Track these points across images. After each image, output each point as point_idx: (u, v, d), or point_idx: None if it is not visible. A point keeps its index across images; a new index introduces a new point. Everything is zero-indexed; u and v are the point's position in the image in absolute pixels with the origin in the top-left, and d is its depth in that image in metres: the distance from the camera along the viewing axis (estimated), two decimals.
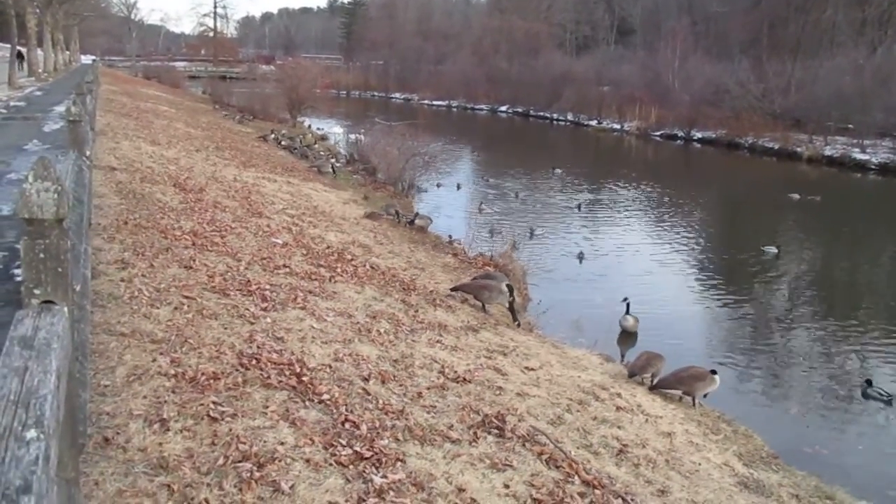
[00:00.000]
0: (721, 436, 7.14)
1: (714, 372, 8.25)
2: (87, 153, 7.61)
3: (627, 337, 11.78)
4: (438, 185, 24.75)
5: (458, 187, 25.30)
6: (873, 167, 38.22)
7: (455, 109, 73.42)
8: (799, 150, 41.74)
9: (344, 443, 4.46)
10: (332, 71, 79.44)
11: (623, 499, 4.91)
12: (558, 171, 31.17)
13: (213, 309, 6.20)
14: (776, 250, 18.52)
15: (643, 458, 5.83)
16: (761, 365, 11.70)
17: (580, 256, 16.83)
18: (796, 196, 27.22)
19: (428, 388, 5.89)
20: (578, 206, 22.98)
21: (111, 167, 11.54)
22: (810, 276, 18.09)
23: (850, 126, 42.15)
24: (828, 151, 40.81)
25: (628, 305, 11.95)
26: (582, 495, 4.79)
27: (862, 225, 25.07)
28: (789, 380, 11.32)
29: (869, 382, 10.98)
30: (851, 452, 9.01)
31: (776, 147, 43.25)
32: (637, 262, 17.37)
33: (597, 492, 4.88)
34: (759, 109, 47.88)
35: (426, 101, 76.41)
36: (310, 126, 39.86)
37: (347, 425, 4.72)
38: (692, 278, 16.80)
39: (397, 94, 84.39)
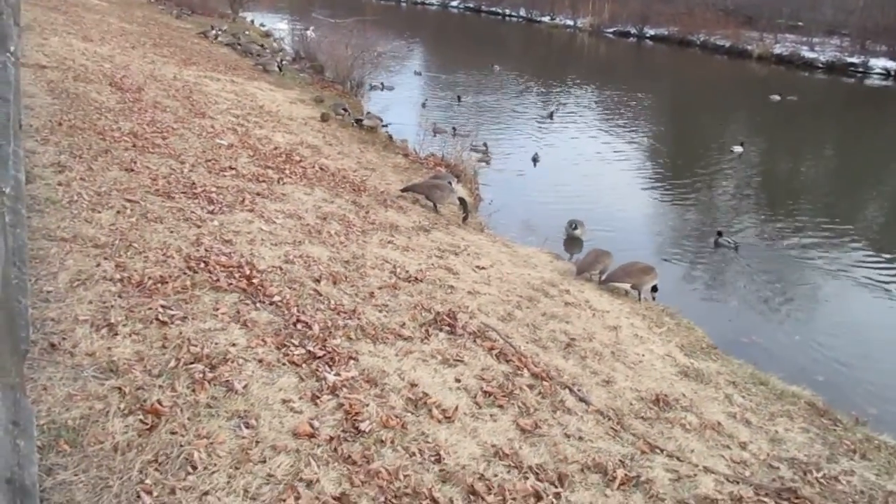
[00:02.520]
0: (664, 328, 7.40)
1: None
2: (12, 49, 7.15)
3: (574, 242, 11.81)
4: (383, 86, 23.86)
5: (383, 87, 23.86)
6: (820, 65, 38.55)
7: (405, 4, 70.88)
8: (749, 47, 41.76)
9: (296, 343, 4.49)
10: None
11: (570, 389, 5.10)
12: (497, 67, 30.68)
13: (158, 212, 6.05)
14: (741, 149, 18.73)
15: (590, 350, 6.03)
16: (706, 260, 12.06)
17: (535, 158, 16.76)
18: (776, 97, 27.37)
19: (380, 288, 5.93)
20: (550, 115, 22.09)
21: (40, 65, 10.92)
22: (766, 173, 18.48)
23: (800, 23, 42.21)
24: (777, 49, 40.94)
25: (574, 222, 11.66)
26: (531, 387, 4.95)
27: (824, 124, 25.52)
28: (731, 274, 11.71)
29: (720, 233, 12.39)
30: (786, 342, 9.47)
31: (727, 45, 43.17)
32: (592, 163, 17.44)
33: (545, 383, 5.05)
34: (711, 5, 47.40)
35: None
36: (252, 21, 38.12)
37: (300, 326, 4.74)
38: (648, 178, 17.00)
39: None
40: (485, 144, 16.77)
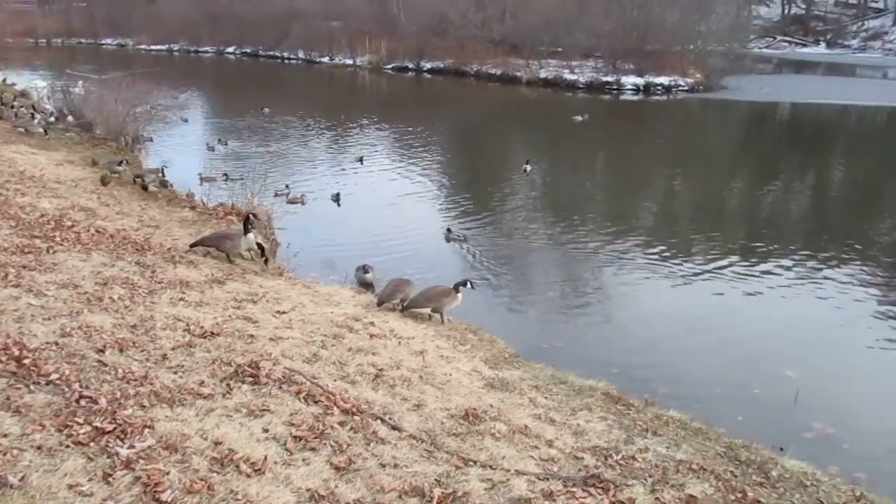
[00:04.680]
0: (468, 346, 7.68)
1: (462, 286, 8.70)
2: None
3: (367, 286, 11.64)
4: (144, 138, 22.49)
5: (145, 140, 22.49)
6: (581, 86, 42.47)
7: (177, 53, 68.55)
8: (518, 74, 45.02)
9: (81, 421, 4.13)
10: (24, 16, 70.11)
11: (381, 419, 5.13)
12: (267, 110, 30.66)
13: None
14: (529, 167, 20.03)
15: (398, 378, 6.12)
16: (505, 276, 12.70)
17: (336, 199, 16.81)
18: (579, 118, 29.78)
19: (173, 349, 5.62)
20: (360, 159, 21.78)
21: None
22: (553, 186, 19.92)
23: (560, 49, 46.19)
24: (543, 74, 44.52)
25: (365, 267, 11.07)
26: (342, 424, 4.92)
27: (596, 137, 27.84)
28: (528, 286, 12.44)
29: (449, 230, 13.95)
30: (582, 341, 10.21)
31: (498, 73, 46.27)
32: (392, 197, 17.78)
33: (356, 418, 5.04)
34: (480, 38, 50.59)
35: (143, 47, 70.39)
36: (4, 80, 34.87)
37: (84, 402, 4.37)
38: (446, 204, 17.64)
39: (108, 40, 76.48)
40: (287, 186, 16.86)
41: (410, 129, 28.37)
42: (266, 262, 9.63)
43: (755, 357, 9.80)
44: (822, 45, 77.50)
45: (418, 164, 22.12)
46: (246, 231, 9.43)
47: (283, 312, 7.41)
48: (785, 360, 9.55)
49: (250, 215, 9.98)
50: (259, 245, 9.81)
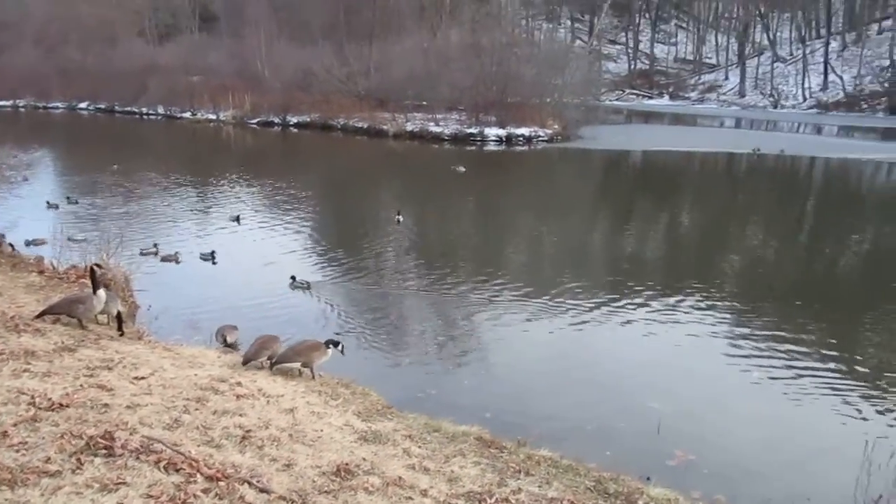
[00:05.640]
0: (340, 400, 7.54)
1: (333, 345, 8.54)
2: None
3: (232, 348, 10.70)
4: None
5: None
6: (447, 138, 43.67)
7: (24, 109, 64.75)
8: (385, 127, 45.70)
9: None
10: None
11: (249, 482, 4.92)
12: (116, 167, 29.69)
13: None
14: (400, 218, 20.28)
15: (267, 438, 5.90)
16: (378, 327, 12.64)
17: (211, 256, 16.23)
18: (462, 168, 31.02)
19: (15, 425, 5.17)
20: (237, 219, 20.89)
21: None
22: (424, 238, 20.13)
23: (425, 102, 47.43)
24: (409, 127, 45.45)
25: (223, 332, 10.82)
26: (206, 491, 4.67)
27: (465, 186, 28.45)
28: (402, 335, 12.42)
29: (293, 278, 14.18)
30: (457, 389, 10.26)
31: (365, 126, 46.77)
32: (261, 253, 17.32)
33: (221, 484, 4.80)
34: (345, 92, 51.18)
35: None
36: None
37: None
38: (319, 259, 17.37)
39: None
40: (155, 245, 16.56)
41: (282, 184, 27.97)
42: (122, 333, 9.05)
43: (621, 392, 10.23)
44: (666, 97, 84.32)
45: (292, 220, 21.78)
46: (95, 288, 8.85)
47: (142, 378, 7.00)
48: (648, 392, 10.03)
49: (93, 267, 9.31)
50: (118, 314, 9.28)
